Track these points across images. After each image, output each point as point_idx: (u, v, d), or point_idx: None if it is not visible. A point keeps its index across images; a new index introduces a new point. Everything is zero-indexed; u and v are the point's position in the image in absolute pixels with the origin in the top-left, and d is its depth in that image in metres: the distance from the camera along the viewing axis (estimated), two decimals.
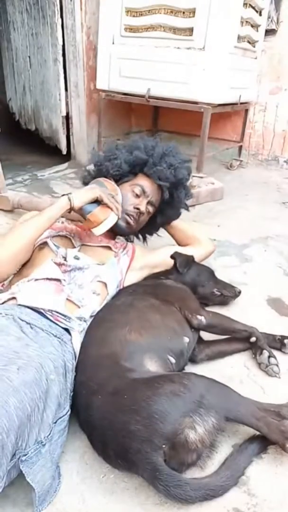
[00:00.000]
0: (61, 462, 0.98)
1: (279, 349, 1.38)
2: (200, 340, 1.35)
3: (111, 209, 1.33)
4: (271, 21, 3.38)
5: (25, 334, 1.00)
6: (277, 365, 1.28)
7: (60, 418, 0.96)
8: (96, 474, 0.95)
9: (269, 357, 1.29)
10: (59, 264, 1.27)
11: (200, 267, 1.60)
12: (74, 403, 1.04)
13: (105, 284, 1.32)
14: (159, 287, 1.40)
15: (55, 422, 0.93)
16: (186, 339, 1.21)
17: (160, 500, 0.89)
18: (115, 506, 0.89)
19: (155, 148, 1.54)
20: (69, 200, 1.28)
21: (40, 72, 3.57)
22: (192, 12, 2.63)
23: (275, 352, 1.33)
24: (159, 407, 0.88)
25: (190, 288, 1.47)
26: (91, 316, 1.24)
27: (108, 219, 1.32)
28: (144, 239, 1.75)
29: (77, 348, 1.12)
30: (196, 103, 2.79)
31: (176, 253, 1.63)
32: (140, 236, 1.73)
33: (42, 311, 1.10)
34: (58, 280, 1.21)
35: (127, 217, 1.49)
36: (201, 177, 2.84)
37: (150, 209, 1.55)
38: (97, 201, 1.33)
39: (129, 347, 1.08)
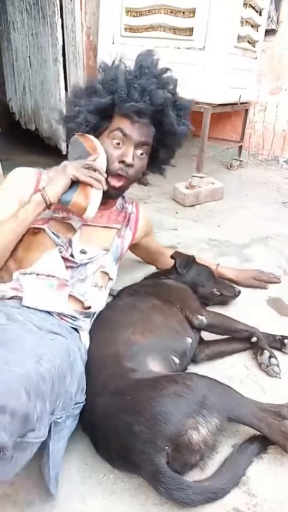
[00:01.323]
0: (61, 462, 0.98)
1: (279, 349, 1.38)
2: (200, 340, 1.35)
3: (91, 185, 1.11)
4: (271, 21, 3.39)
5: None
6: (277, 366, 1.28)
7: (78, 404, 0.96)
8: (96, 474, 0.95)
9: (270, 357, 1.29)
10: (65, 259, 1.19)
11: (200, 267, 1.60)
12: None
13: (108, 273, 1.29)
14: (160, 287, 1.41)
15: (74, 405, 0.94)
16: (189, 340, 1.21)
17: (160, 500, 0.89)
18: (115, 506, 0.89)
19: (117, 78, 1.20)
20: (43, 197, 1.10)
21: (40, 72, 3.57)
22: (192, 12, 2.63)
23: (275, 352, 1.33)
24: (162, 408, 0.88)
25: (190, 288, 1.47)
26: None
27: (91, 200, 1.10)
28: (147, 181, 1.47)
29: (87, 344, 1.13)
30: (196, 103, 2.79)
31: (176, 253, 1.63)
32: (145, 179, 1.45)
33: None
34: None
35: (114, 179, 1.22)
36: (201, 177, 2.84)
37: (141, 152, 1.23)
38: (75, 182, 1.12)
39: (132, 348, 1.08)
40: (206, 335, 1.36)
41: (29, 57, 3.71)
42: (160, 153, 1.33)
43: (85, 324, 1.15)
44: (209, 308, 1.44)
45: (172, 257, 1.59)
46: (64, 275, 1.16)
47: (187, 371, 1.22)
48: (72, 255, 1.20)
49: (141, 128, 1.20)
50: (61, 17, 3.13)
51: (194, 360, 1.31)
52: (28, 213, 1.11)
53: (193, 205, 2.78)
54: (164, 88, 1.20)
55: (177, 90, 1.27)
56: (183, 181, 2.83)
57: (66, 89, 3.35)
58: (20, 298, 1.07)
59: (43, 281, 1.12)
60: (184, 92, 1.30)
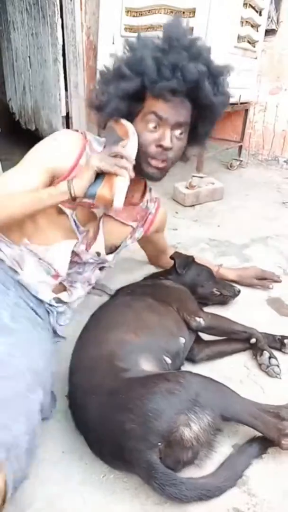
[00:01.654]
0: (61, 462, 0.98)
1: (279, 349, 1.38)
2: (199, 340, 1.35)
3: (116, 174, 1.04)
4: (271, 21, 3.39)
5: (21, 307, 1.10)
6: (278, 366, 1.28)
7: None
8: (96, 474, 0.96)
9: (269, 357, 1.29)
10: (75, 254, 1.22)
11: (199, 267, 1.60)
12: (70, 404, 1.04)
13: (105, 268, 1.35)
14: (157, 288, 1.41)
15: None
16: (182, 340, 1.21)
17: (160, 500, 0.89)
18: (115, 506, 0.89)
19: (144, 57, 1.07)
20: (69, 188, 1.04)
21: (40, 72, 3.57)
22: (192, 12, 2.63)
23: (275, 352, 1.33)
24: (154, 405, 0.88)
25: (190, 288, 1.47)
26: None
27: (117, 190, 1.03)
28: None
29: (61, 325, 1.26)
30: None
31: (175, 253, 1.64)
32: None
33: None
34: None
35: (152, 161, 1.14)
36: (201, 177, 2.84)
37: (180, 131, 1.14)
38: (101, 174, 1.06)
39: (125, 348, 1.08)
40: (206, 335, 1.36)
41: (29, 57, 3.71)
42: (199, 128, 1.21)
43: (62, 309, 1.25)
44: (209, 308, 1.44)
45: (171, 257, 1.59)
46: (63, 271, 1.21)
47: (180, 370, 1.22)
48: (86, 249, 1.24)
49: (176, 107, 1.09)
50: (61, 17, 3.13)
51: (194, 360, 1.31)
52: (50, 197, 1.05)
53: (193, 205, 2.78)
54: (196, 61, 1.07)
55: (211, 58, 1.14)
56: (183, 181, 2.83)
57: (66, 89, 3.35)
58: (16, 272, 1.16)
59: (42, 266, 1.18)
60: None
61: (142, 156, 1.10)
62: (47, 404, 0.96)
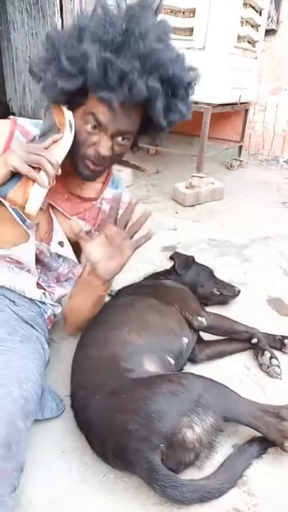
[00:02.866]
0: (61, 461, 0.98)
1: (279, 349, 1.38)
2: (200, 340, 1.35)
3: (33, 180, 0.90)
4: (271, 21, 3.39)
5: (13, 311, 1.06)
6: (278, 366, 1.28)
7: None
8: (96, 474, 0.95)
9: (270, 358, 1.29)
10: (40, 252, 1.14)
11: (199, 267, 1.60)
12: (72, 403, 1.04)
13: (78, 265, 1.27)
14: (159, 288, 1.40)
15: None
16: (185, 340, 1.21)
17: (160, 500, 0.89)
18: (115, 506, 0.89)
19: (87, 55, 0.87)
20: None
21: None
22: (192, 12, 2.63)
23: (275, 352, 1.33)
24: (157, 407, 0.88)
25: (190, 288, 1.47)
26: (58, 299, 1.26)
27: (30, 197, 0.90)
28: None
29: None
30: (196, 103, 2.79)
31: (175, 253, 1.64)
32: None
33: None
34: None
35: (87, 162, 1.00)
36: (201, 177, 2.84)
37: (121, 139, 0.98)
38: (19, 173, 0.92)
39: (128, 348, 1.08)
40: (206, 335, 1.36)
41: (29, 57, 3.71)
42: (149, 130, 1.06)
43: (52, 311, 1.21)
44: (209, 308, 1.44)
45: (171, 257, 1.59)
46: (33, 269, 1.15)
47: (183, 371, 1.22)
48: (45, 250, 1.16)
49: (121, 116, 0.93)
50: (61, 17, 3.13)
51: (194, 360, 1.31)
52: None
53: (193, 205, 2.78)
54: (151, 75, 0.88)
55: (177, 67, 0.93)
56: (183, 181, 2.83)
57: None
58: None
59: (13, 265, 1.13)
60: None
61: (76, 153, 0.99)
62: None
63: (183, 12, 2.68)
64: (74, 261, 1.23)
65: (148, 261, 1.92)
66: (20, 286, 1.12)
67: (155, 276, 1.59)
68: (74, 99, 0.95)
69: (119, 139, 0.98)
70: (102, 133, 0.96)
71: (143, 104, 0.94)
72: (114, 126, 0.95)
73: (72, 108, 0.97)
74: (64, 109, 0.96)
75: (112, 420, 0.91)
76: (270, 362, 1.29)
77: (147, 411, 0.88)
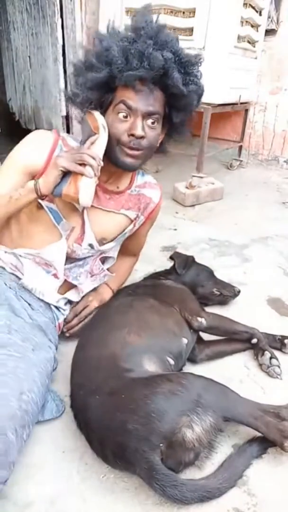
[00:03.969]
0: (61, 461, 0.98)
1: (279, 349, 1.38)
2: (200, 340, 1.35)
3: (82, 174, 1.04)
4: (271, 21, 3.39)
5: (29, 315, 1.12)
6: (278, 366, 1.28)
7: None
8: (96, 474, 0.95)
9: (270, 358, 1.29)
10: (73, 251, 1.23)
11: (199, 267, 1.60)
12: (72, 404, 1.04)
13: (108, 257, 1.36)
14: (158, 288, 1.40)
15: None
16: (185, 340, 1.21)
17: (160, 500, 0.89)
18: (115, 506, 0.89)
19: (111, 47, 1.06)
20: (35, 187, 1.07)
21: (40, 72, 3.57)
22: (192, 12, 2.63)
23: (275, 352, 1.33)
24: (157, 406, 0.88)
25: (190, 288, 1.47)
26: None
27: (81, 189, 1.04)
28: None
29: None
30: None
31: (175, 253, 1.64)
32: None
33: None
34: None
35: (126, 150, 1.11)
36: (201, 177, 2.84)
37: (152, 121, 1.11)
38: (68, 172, 1.07)
39: (127, 349, 1.08)
40: (206, 335, 1.36)
41: (29, 57, 3.71)
42: (174, 118, 1.19)
43: (64, 317, 1.29)
44: (209, 308, 1.44)
45: (171, 257, 1.59)
46: (61, 270, 1.21)
47: (183, 371, 1.22)
48: (80, 244, 1.24)
49: (146, 96, 1.08)
50: (61, 17, 3.13)
51: (194, 360, 1.31)
52: (21, 196, 1.09)
53: (193, 205, 2.78)
54: (162, 49, 1.06)
55: (180, 47, 1.13)
56: (183, 181, 2.83)
57: (66, 89, 3.35)
58: (18, 277, 1.18)
59: (41, 266, 1.20)
60: None
61: (115, 145, 1.10)
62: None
63: (183, 12, 2.68)
64: (105, 255, 1.33)
65: (148, 261, 1.92)
66: (41, 289, 1.18)
67: (155, 276, 1.59)
68: (103, 99, 1.11)
69: (149, 121, 1.10)
70: (133, 118, 1.09)
71: (163, 87, 1.09)
72: (142, 107, 1.08)
73: (104, 111, 1.12)
74: (96, 114, 1.10)
75: (112, 420, 0.91)
76: (270, 362, 1.28)
77: (147, 411, 0.88)
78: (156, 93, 1.09)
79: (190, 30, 2.67)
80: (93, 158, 1.03)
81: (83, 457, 0.99)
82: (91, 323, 1.23)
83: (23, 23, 3.64)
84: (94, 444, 0.96)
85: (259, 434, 0.99)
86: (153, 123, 1.11)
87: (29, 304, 1.14)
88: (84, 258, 1.29)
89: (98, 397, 0.96)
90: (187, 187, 2.78)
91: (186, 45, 2.78)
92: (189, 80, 1.13)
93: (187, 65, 1.12)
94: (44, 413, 1.05)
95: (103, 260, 1.37)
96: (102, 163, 1.05)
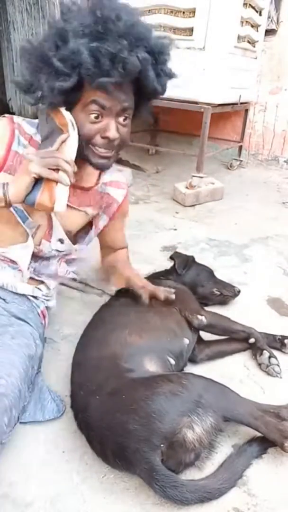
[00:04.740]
0: (61, 461, 0.98)
1: (279, 349, 1.38)
2: (200, 340, 1.35)
3: (55, 181, 0.95)
4: (271, 21, 3.39)
5: (3, 308, 1.10)
6: (278, 365, 1.28)
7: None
8: (96, 474, 0.95)
9: (269, 357, 1.29)
10: (38, 250, 1.17)
11: (199, 267, 1.60)
12: (72, 404, 1.04)
13: (73, 259, 1.32)
14: None
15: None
16: (186, 341, 1.21)
17: (160, 500, 0.89)
18: (115, 506, 0.89)
19: (79, 50, 0.92)
20: (3, 195, 0.95)
21: None
22: (192, 12, 2.63)
23: (275, 352, 1.33)
24: (158, 407, 0.88)
25: (190, 288, 1.47)
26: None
27: (57, 198, 0.96)
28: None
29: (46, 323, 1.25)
30: (196, 103, 2.79)
31: (175, 253, 1.64)
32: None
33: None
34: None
35: (99, 151, 1.04)
36: (201, 177, 2.84)
37: (124, 119, 1.04)
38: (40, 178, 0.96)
39: (128, 349, 1.08)
40: (206, 335, 1.36)
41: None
42: (142, 107, 1.12)
43: (44, 304, 1.24)
44: (209, 308, 1.44)
45: (171, 257, 1.59)
46: (25, 268, 1.17)
47: (183, 371, 1.22)
48: (45, 248, 1.19)
49: (119, 93, 0.98)
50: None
51: (194, 360, 1.31)
52: None
53: (193, 205, 2.78)
54: (138, 47, 0.94)
55: (152, 36, 1.00)
56: (183, 181, 2.83)
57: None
58: None
59: (7, 263, 1.17)
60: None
61: (85, 145, 1.02)
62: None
63: (183, 12, 2.67)
64: (75, 250, 1.27)
65: (148, 261, 1.92)
66: (12, 283, 1.16)
67: (155, 276, 1.59)
68: (69, 98, 1.00)
69: (121, 119, 1.03)
70: (106, 118, 1.01)
71: (134, 79, 0.99)
72: (115, 106, 1.00)
73: (69, 108, 1.01)
74: (63, 110, 1.01)
75: (112, 420, 0.91)
76: (269, 361, 1.29)
77: (148, 411, 0.88)
78: (127, 88, 1.01)
79: (190, 30, 2.67)
80: (68, 163, 0.93)
81: (83, 457, 0.99)
82: (91, 323, 1.23)
83: (23, 23, 3.64)
84: (94, 444, 0.96)
85: (259, 434, 1.00)
86: (125, 119, 1.04)
87: (4, 299, 1.12)
88: (49, 258, 1.24)
89: (99, 397, 0.96)
90: (187, 187, 2.78)
91: (186, 45, 2.80)
92: (162, 74, 1.04)
93: (160, 54, 1.03)
94: (45, 413, 1.05)
95: (68, 262, 1.32)
96: (76, 168, 0.97)
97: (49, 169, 0.93)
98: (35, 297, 1.21)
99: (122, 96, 1.00)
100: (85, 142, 1.02)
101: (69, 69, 0.94)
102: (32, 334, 1.08)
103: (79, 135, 0.99)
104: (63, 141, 0.97)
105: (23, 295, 1.18)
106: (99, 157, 1.05)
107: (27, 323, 1.11)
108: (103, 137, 1.01)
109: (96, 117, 1.00)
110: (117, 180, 1.32)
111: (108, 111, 0.99)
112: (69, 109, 1.01)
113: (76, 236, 1.29)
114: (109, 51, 0.91)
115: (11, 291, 1.16)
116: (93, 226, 1.30)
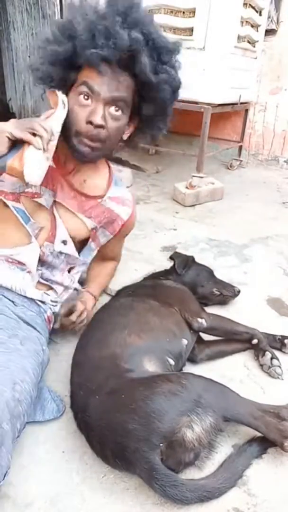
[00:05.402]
0: (61, 461, 0.98)
1: (279, 349, 1.38)
2: (200, 340, 1.35)
3: (28, 142, 0.90)
4: (271, 21, 3.39)
5: (12, 311, 1.07)
6: (279, 367, 1.27)
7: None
8: (96, 474, 0.95)
9: (271, 358, 1.29)
10: (42, 253, 1.18)
11: (199, 267, 1.60)
12: (72, 404, 1.04)
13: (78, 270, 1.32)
14: (158, 289, 1.40)
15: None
16: (185, 341, 1.21)
17: (160, 500, 0.89)
18: (115, 506, 0.89)
19: (77, 21, 0.96)
20: None
21: None
22: (192, 12, 2.63)
23: (275, 352, 1.32)
24: (157, 406, 0.88)
25: (190, 288, 1.47)
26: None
27: (26, 161, 0.90)
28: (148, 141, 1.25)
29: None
30: (196, 103, 2.79)
31: (175, 253, 1.64)
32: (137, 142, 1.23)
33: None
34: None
35: (82, 138, 1.02)
36: (201, 177, 2.84)
37: (115, 110, 1.02)
38: (20, 143, 0.92)
39: (128, 349, 1.08)
40: (206, 335, 1.36)
41: (29, 57, 3.71)
42: (144, 109, 1.08)
43: (51, 309, 1.23)
44: (209, 308, 1.44)
45: (171, 257, 1.59)
46: (33, 269, 1.17)
47: (183, 371, 1.22)
48: (48, 249, 1.19)
49: (112, 80, 0.97)
50: (61, 17, 3.13)
51: (194, 360, 1.31)
52: None
53: (193, 205, 2.78)
54: (132, 28, 0.95)
55: (155, 29, 1.01)
56: (183, 181, 2.83)
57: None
58: None
59: (14, 264, 1.15)
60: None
61: (72, 134, 1.03)
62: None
63: (183, 12, 2.67)
64: (77, 257, 1.26)
65: (148, 261, 1.92)
66: (21, 286, 1.13)
67: (155, 276, 1.59)
68: (66, 80, 1.03)
69: (112, 109, 1.01)
70: (94, 103, 1.00)
71: (133, 72, 1.00)
72: (106, 91, 0.98)
73: (66, 92, 1.03)
74: (57, 91, 1.02)
75: (112, 420, 0.91)
76: (271, 363, 1.28)
77: (147, 411, 0.88)
78: (123, 78, 1.00)
79: (190, 30, 2.67)
80: (45, 130, 0.90)
81: (83, 457, 0.99)
82: (91, 324, 1.23)
83: (23, 23, 3.64)
84: (94, 444, 0.96)
85: (259, 434, 0.99)
86: (116, 110, 1.01)
87: (12, 302, 1.11)
88: (53, 266, 1.23)
89: (98, 397, 0.96)
90: (187, 187, 2.78)
91: (186, 45, 2.80)
92: (161, 69, 1.01)
93: (162, 52, 1.01)
94: (44, 413, 1.05)
95: (70, 271, 1.31)
96: (55, 139, 0.93)
97: (25, 132, 0.90)
98: (43, 302, 1.20)
99: (114, 83, 0.99)
100: (72, 133, 1.02)
101: (65, 38, 0.98)
102: (39, 339, 1.07)
103: (67, 123, 0.99)
104: (48, 116, 0.98)
105: (32, 299, 1.16)
106: (83, 145, 1.04)
107: (35, 328, 1.10)
108: (88, 122, 1.00)
109: (86, 98, 1.00)
110: (122, 197, 1.30)
111: (97, 96, 0.99)
112: (66, 92, 1.03)
113: (77, 247, 1.27)
114: (104, 26, 0.94)
115: (20, 294, 1.14)
116: (90, 240, 1.28)
